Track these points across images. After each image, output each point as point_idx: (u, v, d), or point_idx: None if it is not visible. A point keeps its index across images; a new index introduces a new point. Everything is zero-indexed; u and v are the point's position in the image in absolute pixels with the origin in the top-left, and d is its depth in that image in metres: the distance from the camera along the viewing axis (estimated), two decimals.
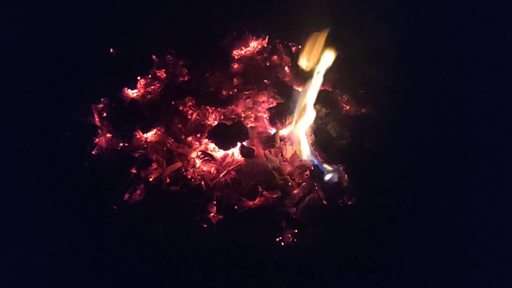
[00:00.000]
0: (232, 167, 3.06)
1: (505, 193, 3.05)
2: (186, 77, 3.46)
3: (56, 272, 2.78)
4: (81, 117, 3.15)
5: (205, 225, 2.85)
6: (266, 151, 3.16)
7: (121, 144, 3.14)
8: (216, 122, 3.22)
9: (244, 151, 3.04)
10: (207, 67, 3.44)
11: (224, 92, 3.36)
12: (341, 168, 3.05)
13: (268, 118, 3.24)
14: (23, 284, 2.80)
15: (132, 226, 2.82)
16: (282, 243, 2.81)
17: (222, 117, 3.29)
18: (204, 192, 2.95)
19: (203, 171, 3.10)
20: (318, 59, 3.05)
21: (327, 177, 2.97)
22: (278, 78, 3.44)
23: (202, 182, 3.01)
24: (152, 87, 3.44)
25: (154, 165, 3.03)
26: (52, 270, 2.79)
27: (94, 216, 2.86)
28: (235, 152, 3.13)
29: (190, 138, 3.20)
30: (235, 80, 3.43)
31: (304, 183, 3.08)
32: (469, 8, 3.58)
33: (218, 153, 3.17)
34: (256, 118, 3.31)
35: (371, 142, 3.03)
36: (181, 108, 3.28)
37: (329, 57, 3.01)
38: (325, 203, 2.94)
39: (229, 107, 3.30)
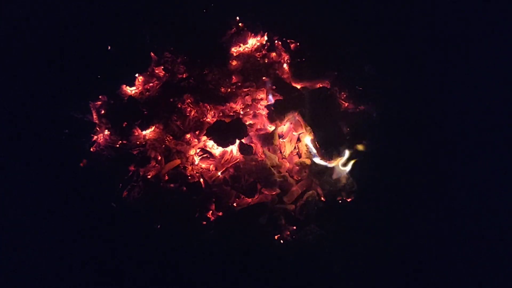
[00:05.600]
0: (230, 164, 3.06)
1: (505, 193, 3.06)
2: (184, 75, 3.45)
3: (54, 269, 2.79)
4: (79, 115, 3.15)
5: (204, 222, 2.86)
6: (265, 148, 3.16)
7: (120, 141, 3.13)
8: (214, 119, 3.21)
9: (242, 148, 3.04)
10: (206, 64, 3.43)
11: (222, 89, 3.36)
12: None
13: (266, 115, 3.23)
14: (22, 283, 2.80)
15: (131, 223, 2.82)
16: (281, 240, 2.81)
17: (220, 114, 3.29)
18: (203, 189, 2.95)
19: (201, 168, 3.10)
20: None
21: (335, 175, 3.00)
22: (277, 75, 3.43)
23: (201, 179, 3.01)
24: (151, 84, 3.43)
25: (153, 163, 3.03)
26: (50, 267, 2.79)
27: (93, 213, 2.86)
28: (233, 149, 3.12)
29: (188, 136, 3.20)
30: (233, 77, 3.42)
31: (303, 180, 3.08)
32: (468, 6, 3.57)
33: (217, 151, 3.17)
34: (255, 115, 3.30)
35: (370, 139, 3.03)
36: (179, 106, 3.27)
37: None
38: (324, 200, 2.95)
39: (228, 104, 3.29)
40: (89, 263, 2.80)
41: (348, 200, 2.97)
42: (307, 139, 3.11)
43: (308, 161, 3.10)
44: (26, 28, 3.41)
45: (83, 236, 2.83)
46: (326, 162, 2.99)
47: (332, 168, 2.99)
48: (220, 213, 2.88)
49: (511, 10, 3.51)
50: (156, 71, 3.48)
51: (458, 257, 2.89)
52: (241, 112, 3.31)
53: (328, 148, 2.93)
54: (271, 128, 3.24)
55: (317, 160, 3.04)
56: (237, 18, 3.63)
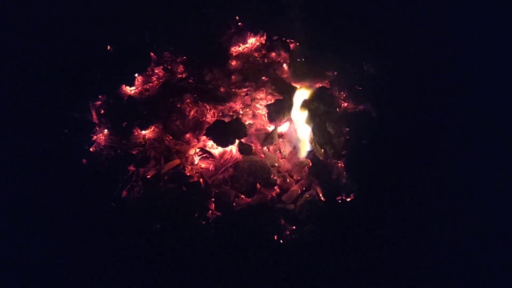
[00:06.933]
0: (230, 164, 3.06)
1: (504, 190, 3.05)
2: (184, 74, 3.45)
3: (54, 270, 2.78)
4: (79, 115, 3.15)
5: (203, 222, 2.86)
6: (264, 148, 3.16)
7: (119, 141, 3.13)
8: (214, 119, 3.21)
9: (242, 148, 3.04)
10: (205, 64, 3.43)
11: (222, 89, 3.36)
12: (339, 164, 3.05)
13: (266, 115, 3.23)
14: (21, 283, 2.79)
15: (130, 224, 2.82)
16: (281, 240, 2.81)
17: (220, 114, 3.29)
18: (202, 189, 2.96)
19: (201, 168, 3.11)
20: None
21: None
22: (276, 75, 3.44)
23: (201, 179, 3.02)
24: (150, 84, 3.43)
25: (152, 162, 3.03)
26: (49, 268, 2.79)
27: (92, 213, 2.86)
28: (233, 149, 3.13)
29: (188, 135, 3.20)
30: (233, 77, 3.42)
31: (302, 180, 3.08)
32: (468, 6, 3.57)
33: (216, 150, 3.17)
34: (254, 115, 3.30)
35: (369, 139, 3.03)
36: (179, 105, 3.27)
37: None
38: (324, 200, 2.94)
39: (227, 104, 3.30)
40: (88, 263, 2.80)
41: (348, 200, 2.96)
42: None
43: (308, 161, 3.11)
44: (25, 27, 3.41)
45: (82, 236, 2.83)
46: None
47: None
48: (219, 213, 2.88)
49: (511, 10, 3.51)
50: (156, 71, 3.48)
51: (459, 258, 2.89)
52: (241, 112, 3.31)
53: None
54: (270, 128, 3.24)
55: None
56: (237, 18, 3.63)
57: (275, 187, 2.99)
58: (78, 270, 2.80)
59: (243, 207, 2.91)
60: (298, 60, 3.45)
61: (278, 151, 3.22)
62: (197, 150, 3.13)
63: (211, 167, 3.11)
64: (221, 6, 3.60)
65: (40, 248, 2.85)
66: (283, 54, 3.53)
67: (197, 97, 3.29)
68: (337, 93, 3.33)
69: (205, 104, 3.28)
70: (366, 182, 2.95)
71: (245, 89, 3.35)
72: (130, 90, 3.38)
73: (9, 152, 3.03)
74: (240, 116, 3.27)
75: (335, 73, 3.39)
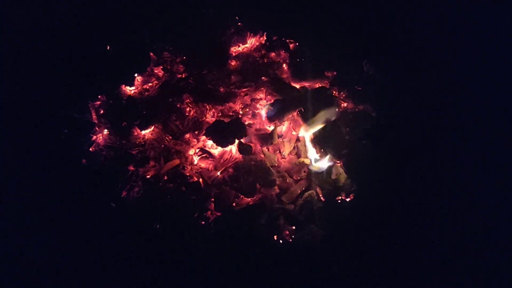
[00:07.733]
0: (230, 164, 3.06)
1: (504, 190, 3.05)
2: (183, 74, 3.45)
3: (53, 270, 2.78)
4: (78, 115, 3.15)
5: (203, 222, 2.86)
6: (264, 148, 3.15)
7: (119, 141, 3.13)
8: (214, 119, 3.21)
9: (242, 148, 3.04)
10: (205, 64, 3.43)
11: (221, 89, 3.36)
12: (338, 164, 3.05)
13: (266, 115, 3.23)
14: (20, 283, 2.80)
15: (130, 224, 2.82)
16: (280, 240, 2.81)
17: (219, 114, 3.29)
18: (202, 189, 2.96)
19: (201, 168, 3.10)
20: None
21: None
22: (276, 75, 3.43)
23: (200, 179, 3.01)
24: (150, 84, 3.43)
25: (152, 163, 3.03)
26: (49, 268, 2.79)
27: (92, 213, 2.86)
28: (233, 149, 3.12)
29: (187, 135, 3.20)
30: (232, 77, 3.42)
31: (302, 180, 3.08)
32: (469, 6, 3.56)
33: (216, 150, 3.17)
34: (254, 115, 3.30)
35: (369, 139, 3.03)
36: (178, 105, 3.27)
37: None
38: (323, 200, 2.94)
39: (227, 104, 3.29)
40: (88, 263, 2.80)
41: (348, 200, 2.96)
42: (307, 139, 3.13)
43: (307, 161, 3.11)
44: (24, 27, 3.41)
45: (82, 236, 2.83)
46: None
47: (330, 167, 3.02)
48: (219, 213, 2.88)
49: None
50: (155, 71, 3.48)
51: (459, 258, 2.89)
52: (240, 112, 3.31)
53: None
54: (270, 128, 3.24)
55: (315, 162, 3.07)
56: (236, 17, 3.62)
57: (275, 187, 2.98)
58: (78, 270, 2.80)
59: (243, 207, 2.91)
60: (298, 60, 3.45)
61: (278, 151, 3.21)
62: (197, 150, 3.13)
63: (211, 167, 3.11)
64: (221, 6, 3.60)
65: (40, 248, 2.85)
66: (283, 54, 3.53)
67: (197, 97, 3.28)
68: (337, 93, 3.33)
69: (205, 104, 3.28)
70: (366, 182, 2.95)
71: (244, 89, 3.35)
72: (129, 90, 3.38)
73: (9, 152, 3.03)
74: (240, 116, 3.27)
75: (335, 73, 3.38)
